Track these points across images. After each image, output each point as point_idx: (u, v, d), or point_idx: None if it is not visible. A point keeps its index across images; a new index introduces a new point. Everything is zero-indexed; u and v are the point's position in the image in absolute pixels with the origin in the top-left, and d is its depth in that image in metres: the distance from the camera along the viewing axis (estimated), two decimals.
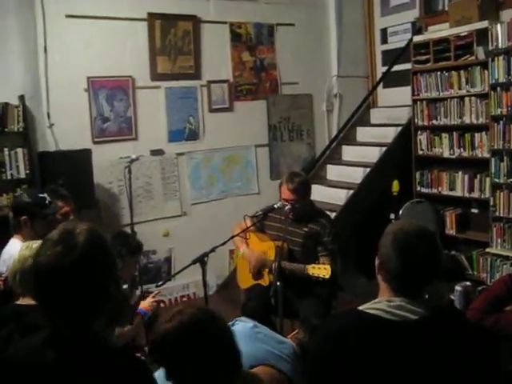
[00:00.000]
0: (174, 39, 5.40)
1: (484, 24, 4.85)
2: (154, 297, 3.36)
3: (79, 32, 4.94)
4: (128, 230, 4.94)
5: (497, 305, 2.15)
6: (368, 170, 5.69)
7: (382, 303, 1.69)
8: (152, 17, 5.27)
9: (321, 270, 3.36)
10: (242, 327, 2.29)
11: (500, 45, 4.65)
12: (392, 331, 1.64)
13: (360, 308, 1.74)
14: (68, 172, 4.46)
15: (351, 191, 5.64)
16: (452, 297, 2.63)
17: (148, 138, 5.34)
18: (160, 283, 3.74)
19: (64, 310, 1.43)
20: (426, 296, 1.74)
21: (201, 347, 1.58)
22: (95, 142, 5.07)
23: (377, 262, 1.77)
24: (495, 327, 2.08)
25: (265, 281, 3.71)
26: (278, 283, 3.22)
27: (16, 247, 2.62)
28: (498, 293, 2.18)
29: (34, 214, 2.96)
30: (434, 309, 1.69)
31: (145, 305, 3.25)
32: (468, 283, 2.67)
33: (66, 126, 4.91)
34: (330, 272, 3.30)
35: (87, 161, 4.76)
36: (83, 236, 1.45)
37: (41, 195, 3.08)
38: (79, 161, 4.69)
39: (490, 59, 4.74)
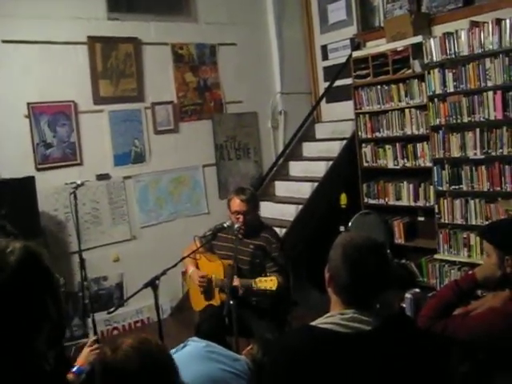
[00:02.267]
0: (115, 62, 5.36)
1: (418, 39, 5.02)
2: (91, 346, 2.68)
3: (17, 57, 4.84)
4: (76, 257, 4.84)
5: (445, 310, 2.20)
6: (316, 184, 5.76)
7: (335, 317, 1.70)
8: (92, 40, 5.21)
9: (267, 282, 3.35)
10: (195, 348, 2.27)
11: (434, 58, 4.82)
12: (346, 344, 1.65)
13: (313, 323, 1.74)
14: (11, 201, 4.33)
15: (300, 206, 5.68)
16: (403, 305, 2.67)
17: (93, 162, 5.25)
18: (112, 309, 3.67)
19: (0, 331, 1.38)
20: (378, 306, 1.76)
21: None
22: (39, 169, 4.95)
23: (326, 275, 1.78)
24: (444, 332, 2.13)
25: (216, 301, 3.69)
26: (231, 302, 3.20)
27: None
28: (444, 299, 2.23)
29: None
30: (386, 318, 1.71)
31: (81, 360, 2.59)
32: (417, 290, 2.73)
33: (7, 154, 4.78)
34: (276, 283, 3.29)
35: (31, 188, 4.63)
36: (15, 255, 1.40)
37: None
38: (22, 189, 4.55)
39: (426, 72, 4.90)
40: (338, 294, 1.75)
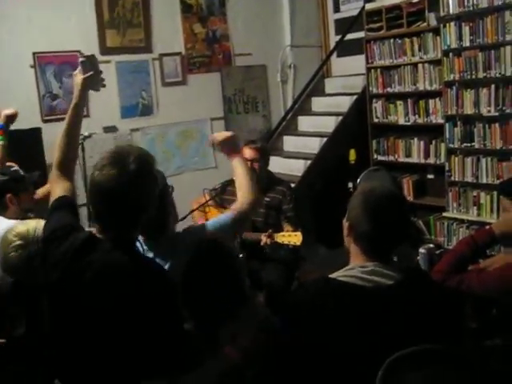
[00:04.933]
0: (122, 11, 5.22)
1: None
2: None
3: (22, 5, 4.72)
4: (84, 210, 4.81)
5: (460, 265, 2.17)
6: (324, 139, 5.69)
7: (355, 269, 1.67)
8: None
9: (291, 237, 3.34)
10: None
11: (451, 11, 4.67)
12: (366, 298, 1.62)
13: (333, 276, 1.71)
14: (17, 153, 4.28)
15: (309, 161, 5.64)
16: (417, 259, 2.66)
17: (100, 114, 5.17)
18: None
19: (110, 220, 1.72)
20: (395, 258, 1.73)
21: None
22: (45, 121, 4.89)
23: (346, 224, 1.74)
24: (459, 288, 2.11)
25: None
26: (241, 255, 3.20)
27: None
28: (460, 254, 2.20)
29: (17, 190, 2.86)
30: (407, 272, 1.68)
31: None
32: (432, 245, 2.70)
33: (13, 105, 4.64)
34: (301, 238, 3.29)
35: (37, 140, 4.60)
36: (135, 164, 1.69)
37: (13, 169, 2.98)
38: (29, 140, 4.51)
39: (441, 25, 4.77)
40: (357, 243, 1.71)
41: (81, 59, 2.17)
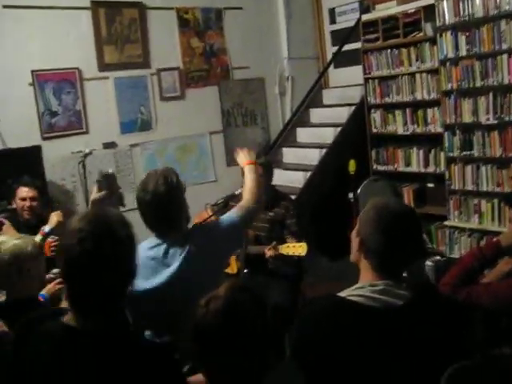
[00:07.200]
0: (119, 27, 5.24)
1: (430, 0, 4.89)
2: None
3: (19, 23, 4.72)
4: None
5: (468, 278, 2.16)
6: (324, 150, 5.70)
7: (365, 288, 1.63)
8: (95, 5, 5.08)
9: (296, 248, 3.35)
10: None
11: (447, 21, 4.70)
12: (376, 319, 1.59)
13: (342, 294, 1.67)
14: (17, 171, 4.28)
15: (309, 173, 5.64)
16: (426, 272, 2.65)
17: (100, 130, 5.18)
18: None
19: (96, 300, 1.46)
20: (405, 274, 1.71)
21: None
22: (44, 138, 4.89)
23: (356, 239, 1.71)
24: (467, 301, 2.10)
25: (232, 268, 3.67)
26: (246, 270, 3.19)
27: None
28: (468, 266, 2.19)
29: None
30: (418, 291, 1.66)
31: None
32: (438, 257, 2.70)
33: (12, 123, 4.69)
34: (305, 249, 3.29)
35: (37, 158, 4.60)
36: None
37: None
38: (28, 158, 4.52)
39: (438, 35, 4.79)
40: (368, 259, 1.68)
41: (97, 178, 2.18)
